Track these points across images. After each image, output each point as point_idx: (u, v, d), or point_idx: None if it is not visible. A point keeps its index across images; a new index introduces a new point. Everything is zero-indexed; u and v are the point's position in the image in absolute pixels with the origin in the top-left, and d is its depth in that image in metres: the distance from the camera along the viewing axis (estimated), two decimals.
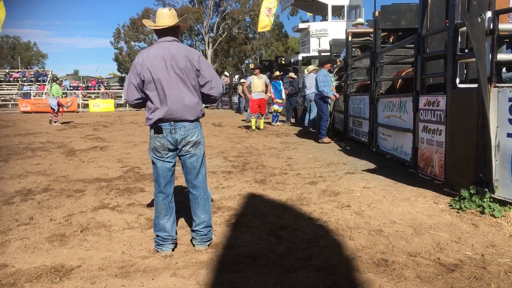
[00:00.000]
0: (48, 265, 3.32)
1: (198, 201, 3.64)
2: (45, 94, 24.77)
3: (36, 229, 4.21)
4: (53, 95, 17.62)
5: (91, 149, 10.03)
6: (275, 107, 15.86)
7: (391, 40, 10.13)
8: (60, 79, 29.96)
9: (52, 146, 10.63)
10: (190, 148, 3.53)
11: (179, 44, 3.53)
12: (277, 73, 16.89)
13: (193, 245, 3.67)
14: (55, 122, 17.72)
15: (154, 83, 3.40)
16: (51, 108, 17.77)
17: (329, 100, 10.59)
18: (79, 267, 3.29)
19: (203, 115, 3.65)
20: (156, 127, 3.47)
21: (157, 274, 3.13)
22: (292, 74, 17.08)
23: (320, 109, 10.52)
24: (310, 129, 13.49)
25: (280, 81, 16.14)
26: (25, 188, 5.92)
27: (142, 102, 3.59)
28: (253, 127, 13.53)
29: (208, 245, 3.64)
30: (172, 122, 3.44)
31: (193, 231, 3.67)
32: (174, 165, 3.61)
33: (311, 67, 14.26)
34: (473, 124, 4.56)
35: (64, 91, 34.30)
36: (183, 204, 4.70)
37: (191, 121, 3.50)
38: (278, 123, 15.66)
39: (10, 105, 34.72)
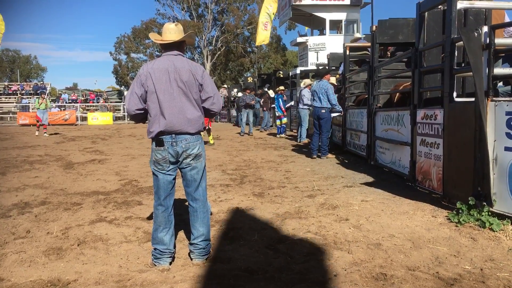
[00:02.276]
0: (44, 279, 3.29)
1: (197, 214, 3.63)
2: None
3: (33, 242, 4.18)
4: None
5: (89, 162, 10.01)
6: (284, 120, 16.23)
7: (388, 54, 10.20)
8: (46, 92, 30.29)
9: (50, 159, 10.61)
10: (191, 160, 3.54)
11: (184, 58, 3.59)
12: (281, 87, 17.11)
13: (191, 259, 3.64)
14: (44, 134, 18.72)
15: (156, 95, 3.44)
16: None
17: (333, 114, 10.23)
18: (75, 281, 3.26)
19: (205, 128, 3.67)
20: (158, 140, 3.49)
21: None
22: (281, 87, 17.38)
23: (328, 125, 9.90)
24: (303, 141, 13.58)
25: (282, 95, 16.46)
26: (22, 201, 5.89)
27: (142, 114, 3.60)
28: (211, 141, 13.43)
29: (206, 259, 3.62)
30: (173, 135, 3.46)
31: (191, 244, 3.65)
32: (174, 178, 3.62)
33: (307, 81, 14.31)
34: (470, 137, 4.57)
35: (62, 104, 34.60)
36: (181, 217, 4.68)
37: (192, 134, 3.51)
38: (282, 134, 16.05)
39: (8, 118, 34.72)
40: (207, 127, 12.59)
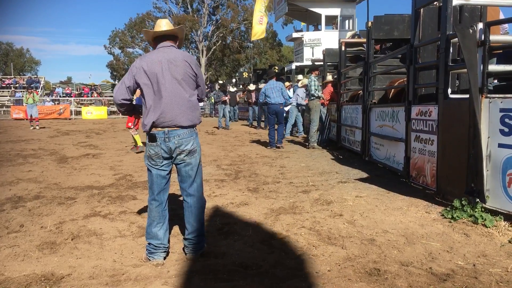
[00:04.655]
0: (38, 274, 3.28)
1: (191, 209, 3.62)
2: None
3: (27, 236, 4.16)
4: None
5: (83, 156, 9.97)
6: None
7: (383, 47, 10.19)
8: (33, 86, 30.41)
9: (44, 153, 10.56)
10: (185, 156, 3.52)
11: (177, 50, 3.61)
12: (287, 83, 17.12)
13: (185, 254, 3.65)
14: (36, 127, 19.43)
15: (150, 86, 3.44)
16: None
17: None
18: (69, 276, 3.26)
19: (199, 122, 3.66)
20: (150, 135, 3.48)
21: (148, 283, 3.10)
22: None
23: (283, 117, 11.50)
24: (301, 136, 13.80)
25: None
26: (16, 195, 5.86)
27: (128, 106, 3.62)
28: (139, 143, 10.65)
29: (200, 254, 3.62)
30: (166, 130, 3.44)
31: (185, 239, 3.65)
32: (169, 173, 3.61)
33: (304, 81, 14.28)
34: (464, 134, 4.59)
35: (56, 98, 34.49)
36: (175, 212, 4.68)
37: (186, 127, 3.49)
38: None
39: (2, 111, 34.46)
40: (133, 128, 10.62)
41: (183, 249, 3.70)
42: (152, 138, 3.47)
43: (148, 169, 3.58)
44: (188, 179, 3.59)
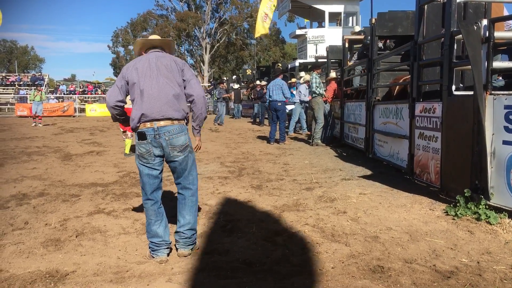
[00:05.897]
0: (42, 270, 3.30)
1: (185, 202, 3.63)
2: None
3: (31, 233, 4.18)
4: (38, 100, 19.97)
5: (87, 153, 10.00)
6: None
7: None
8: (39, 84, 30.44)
9: (48, 150, 10.60)
10: (177, 153, 3.51)
11: (167, 54, 3.74)
12: (293, 80, 17.09)
13: (176, 249, 3.64)
14: (39, 124, 19.61)
15: (138, 81, 3.47)
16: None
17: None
18: (74, 272, 3.27)
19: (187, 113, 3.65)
20: (140, 133, 3.46)
21: (152, 279, 3.11)
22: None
23: (284, 115, 11.70)
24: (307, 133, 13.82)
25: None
26: (21, 193, 5.89)
27: (121, 110, 3.63)
28: (127, 151, 9.51)
29: (192, 249, 3.62)
30: (155, 127, 3.42)
31: (176, 232, 3.63)
32: (161, 172, 3.59)
33: (306, 77, 14.21)
34: (468, 131, 4.57)
35: (60, 96, 34.61)
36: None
37: (175, 120, 3.48)
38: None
39: (6, 109, 34.57)
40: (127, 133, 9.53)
41: (175, 245, 3.68)
42: (141, 136, 3.46)
43: (139, 170, 3.57)
44: (183, 172, 3.60)
